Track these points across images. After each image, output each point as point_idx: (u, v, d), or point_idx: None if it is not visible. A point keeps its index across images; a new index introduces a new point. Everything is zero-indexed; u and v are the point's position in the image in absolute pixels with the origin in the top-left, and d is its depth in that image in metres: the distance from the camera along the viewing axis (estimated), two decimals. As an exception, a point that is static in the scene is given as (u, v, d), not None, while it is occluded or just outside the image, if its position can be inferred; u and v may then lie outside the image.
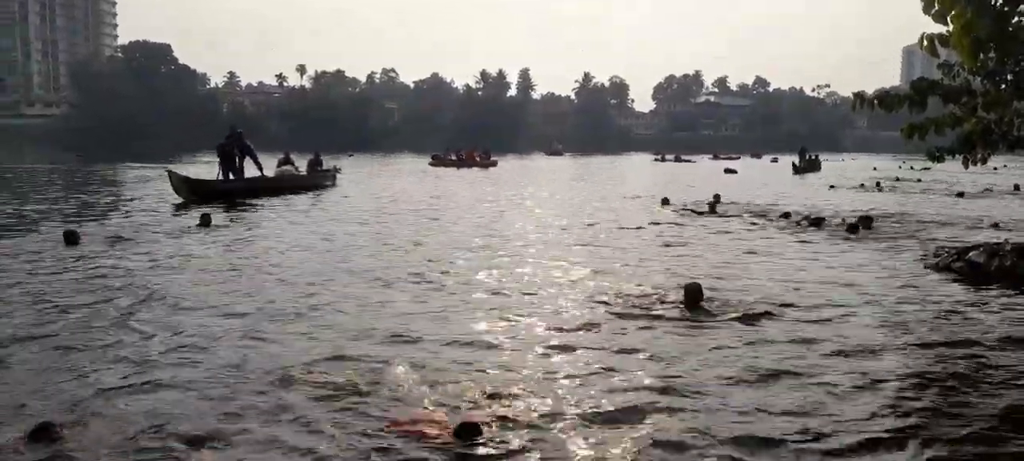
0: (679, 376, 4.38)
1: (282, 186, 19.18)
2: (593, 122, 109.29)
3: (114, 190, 20.23)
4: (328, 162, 25.51)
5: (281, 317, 5.73)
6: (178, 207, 14.73)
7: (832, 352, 4.89)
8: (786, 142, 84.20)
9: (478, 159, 41.66)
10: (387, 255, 8.95)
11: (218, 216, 12.51)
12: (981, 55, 6.59)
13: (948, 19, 5.16)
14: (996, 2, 5.59)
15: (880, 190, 22.32)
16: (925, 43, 5.49)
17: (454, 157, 41.81)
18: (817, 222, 11.78)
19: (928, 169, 36.74)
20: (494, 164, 41.23)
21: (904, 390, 4.19)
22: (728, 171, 39.04)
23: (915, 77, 7.24)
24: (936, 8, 5.19)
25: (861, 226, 11.30)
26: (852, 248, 9.66)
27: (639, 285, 6.96)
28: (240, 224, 12.26)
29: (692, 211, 14.30)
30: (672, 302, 6.15)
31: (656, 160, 55.73)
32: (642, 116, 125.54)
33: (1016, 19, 5.79)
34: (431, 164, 40.80)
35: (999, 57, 6.44)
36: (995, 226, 11.80)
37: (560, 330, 5.41)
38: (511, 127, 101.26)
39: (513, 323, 5.65)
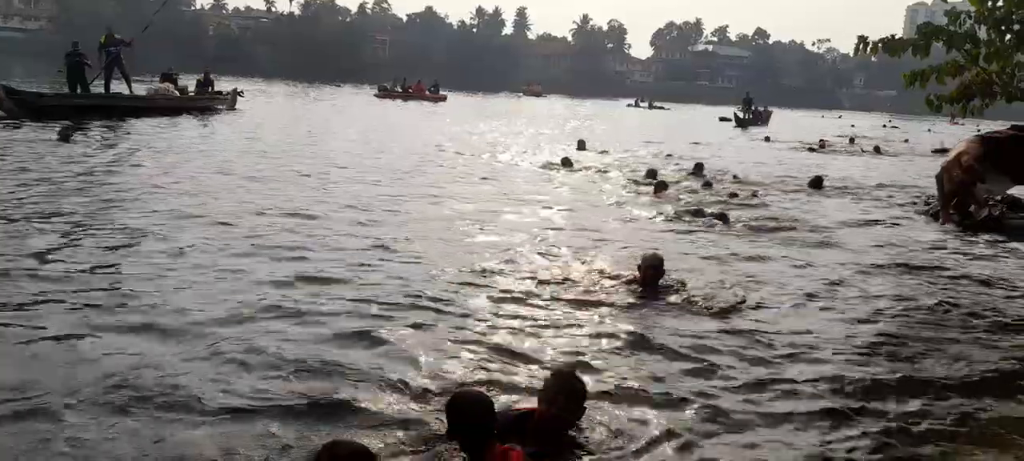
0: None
1: (152, 106, 17.72)
2: (589, 66, 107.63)
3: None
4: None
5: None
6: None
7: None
8: (785, 96, 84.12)
9: (427, 93, 41.67)
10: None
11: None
12: (989, 2, 6.30)
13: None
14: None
15: (814, 150, 22.48)
16: (935, -16, 5.20)
17: (400, 89, 41.73)
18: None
19: (896, 128, 39.59)
20: (443, 99, 41.21)
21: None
22: (723, 119, 39.11)
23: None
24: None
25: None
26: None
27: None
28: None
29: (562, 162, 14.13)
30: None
31: (630, 106, 57.31)
32: (639, 63, 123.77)
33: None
34: (377, 96, 40.68)
35: (1008, 5, 6.19)
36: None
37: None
38: (505, 66, 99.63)
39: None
